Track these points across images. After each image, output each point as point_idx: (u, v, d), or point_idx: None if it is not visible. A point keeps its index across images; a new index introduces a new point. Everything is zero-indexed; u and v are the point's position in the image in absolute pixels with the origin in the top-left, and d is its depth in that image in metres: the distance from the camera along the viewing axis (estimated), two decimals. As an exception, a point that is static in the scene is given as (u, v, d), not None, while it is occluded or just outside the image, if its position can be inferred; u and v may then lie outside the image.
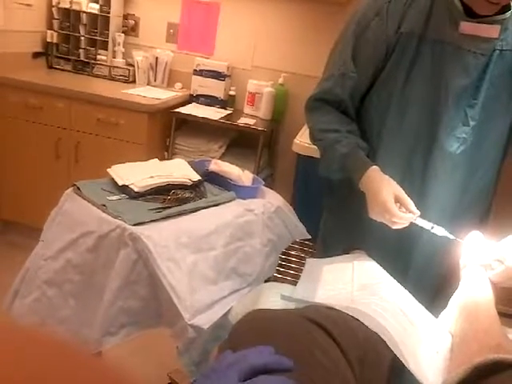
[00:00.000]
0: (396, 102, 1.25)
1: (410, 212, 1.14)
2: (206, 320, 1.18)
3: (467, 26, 1.15)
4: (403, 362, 0.80)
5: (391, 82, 1.24)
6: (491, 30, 1.15)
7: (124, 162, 1.53)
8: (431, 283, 1.38)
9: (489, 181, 1.33)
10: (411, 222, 1.15)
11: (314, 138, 1.37)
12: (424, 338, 0.97)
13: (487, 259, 1.07)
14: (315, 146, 1.39)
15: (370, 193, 1.20)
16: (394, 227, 1.16)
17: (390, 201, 1.14)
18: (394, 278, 1.13)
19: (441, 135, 1.22)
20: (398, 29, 1.20)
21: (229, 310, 1.27)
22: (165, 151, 2.85)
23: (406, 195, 1.16)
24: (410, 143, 1.27)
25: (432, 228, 1.14)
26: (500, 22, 1.14)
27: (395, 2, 1.20)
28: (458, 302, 1.04)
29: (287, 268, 2.50)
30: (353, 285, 1.08)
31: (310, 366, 0.60)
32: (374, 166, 1.22)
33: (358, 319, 0.82)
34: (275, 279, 2.29)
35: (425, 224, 1.15)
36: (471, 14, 1.14)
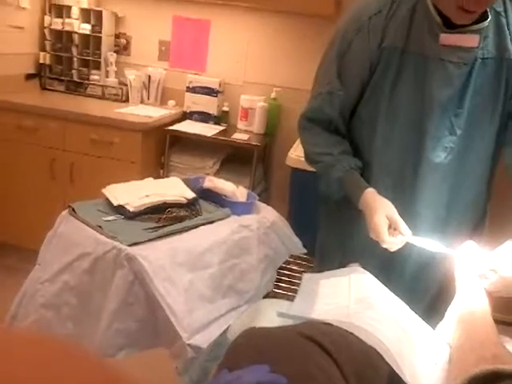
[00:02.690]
0: (383, 116, 1.26)
1: (400, 233, 1.16)
2: (204, 339, 1.18)
3: (447, 38, 1.17)
4: (400, 375, 0.80)
5: (377, 97, 1.26)
6: (471, 40, 1.17)
7: (119, 182, 1.54)
8: (426, 294, 1.39)
9: (480, 189, 1.34)
10: (407, 242, 1.17)
11: (308, 161, 1.40)
12: (422, 349, 0.97)
13: (482, 269, 1.08)
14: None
15: (366, 216, 1.23)
16: (391, 250, 1.18)
17: (382, 226, 1.16)
18: (390, 290, 1.14)
19: (428, 145, 1.24)
20: (380, 44, 1.22)
21: (227, 328, 1.27)
22: (160, 169, 2.86)
23: (398, 217, 1.17)
24: (400, 155, 1.28)
25: (427, 245, 1.16)
26: (479, 31, 1.16)
27: (376, 18, 1.22)
28: (454, 312, 1.05)
29: (287, 283, 2.50)
30: (349, 299, 1.09)
31: (306, 383, 0.60)
32: (369, 189, 1.24)
33: (354, 334, 0.82)
34: (275, 295, 2.29)
35: (420, 242, 1.17)
36: (450, 25, 1.16)
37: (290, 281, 2.48)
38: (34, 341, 0.28)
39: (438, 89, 1.20)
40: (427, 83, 1.21)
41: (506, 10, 1.18)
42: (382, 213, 1.18)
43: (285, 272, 2.52)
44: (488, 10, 1.14)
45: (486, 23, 1.15)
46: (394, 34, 1.21)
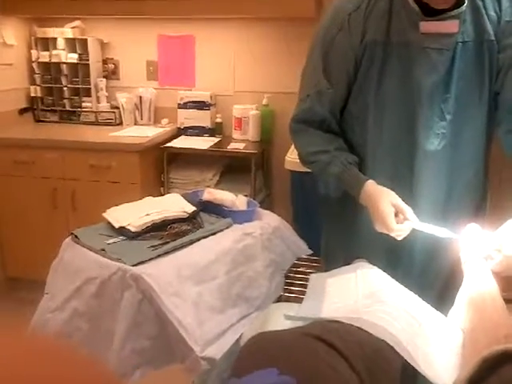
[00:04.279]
0: (373, 109, 1.27)
1: (407, 220, 1.16)
2: (217, 350, 1.18)
3: (427, 25, 1.18)
4: (413, 364, 0.80)
5: (365, 91, 1.27)
6: (451, 25, 1.17)
7: (121, 204, 1.54)
8: (436, 282, 1.38)
9: (476, 169, 1.33)
10: (414, 229, 1.16)
11: (304, 162, 1.39)
12: (434, 337, 0.97)
13: (486, 250, 1.08)
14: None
15: (370, 208, 1.22)
16: (399, 238, 1.17)
17: (389, 214, 1.16)
18: (398, 281, 1.13)
19: (420, 134, 1.24)
20: (362, 39, 1.23)
21: (240, 337, 1.26)
22: (160, 187, 2.87)
23: (403, 203, 1.17)
24: (394, 147, 1.28)
25: (433, 231, 1.15)
26: (458, 15, 1.17)
27: (355, 14, 1.23)
28: (464, 297, 1.04)
29: (298, 286, 2.48)
30: (357, 294, 1.08)
31: (317, 382, 0.60)
32: (370, 180, 1.24)
33: (363, 328, 0.82)
34: (287, 299, 2.28)
35: (426, 228, 1.16)
36: (429, 12, 1.16)
37: (301, 284, 2.47)
38: (32, 345, 0.29)
39: (423, 76, 1.21)
40: (412, 72, 1.21)
41: None
42: (386, 201, 1.17)
43: (295, 275, 2.51)
44: None
45: (463, 7, 1.16)
46: (375, 28, 1.22)
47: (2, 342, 0.28)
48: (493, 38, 1.19)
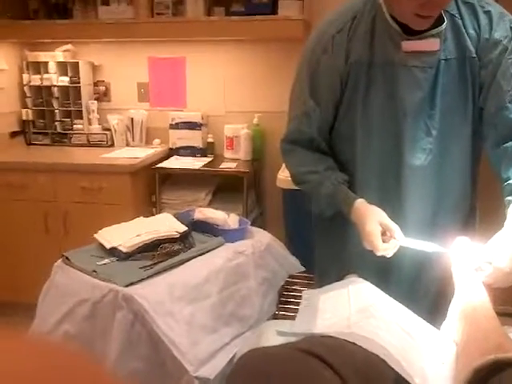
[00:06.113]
0: (360, 128, 1.29)
1: (393, 238, 1.16)
2: (211, 370, 1.17)
3: (409, 45, 1.20)
4: (407, 378, 0.80)
5: (351, 110, 1.29)
6: (432, 44, 1.20)
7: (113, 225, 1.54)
8: (427, 295, 1.38)
9: (464, 185, 1.35)
10: (400, 246, 1.17)
11: (296, 182, 1.42)
12: (428, 351, 0.97)
13: (477, 262, 1.08)
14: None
15: (358, 226, 1.23)
16: (387, 256, 1.18)
17: (375, 234, 1.17)
18: (390, 296, 1.14)
19: (407, 149, 1.26)
20: (346, 60, 1.25)
21: (234, 356, 1.25)
22: (152, 208, 2.87)
23: (390, 222, 1.18)
24: (381, 164, 1.30)
25: (420, 246, 1.16)
26: (438, 34, 1.19)
27: (339, 36, 1.25)
28: (456, 309, 1.04)
29: (293, 304, 2.47)
30: (350, 309, 1.08)
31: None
32: (359, 199, 1.26)
33: (355, 343, 0.82)
34: (282, 317, 2.27)
35: (413, 244, 1.17)
36: (410, 32, 1.19)
37: (294, 301, 2.46)
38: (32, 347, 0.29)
39: (408, 94, 1.23)
40: (397, 90, 1.24)
41: (460, 12, 1.21)
42: (373, 220, 1.19)
43: (289, 293, 2.50)
44: (443, 13, 1.18)
45: (443, 26, 1.19)
46: (359, 49, 1.24)
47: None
48: (474, 55, 1.22)
